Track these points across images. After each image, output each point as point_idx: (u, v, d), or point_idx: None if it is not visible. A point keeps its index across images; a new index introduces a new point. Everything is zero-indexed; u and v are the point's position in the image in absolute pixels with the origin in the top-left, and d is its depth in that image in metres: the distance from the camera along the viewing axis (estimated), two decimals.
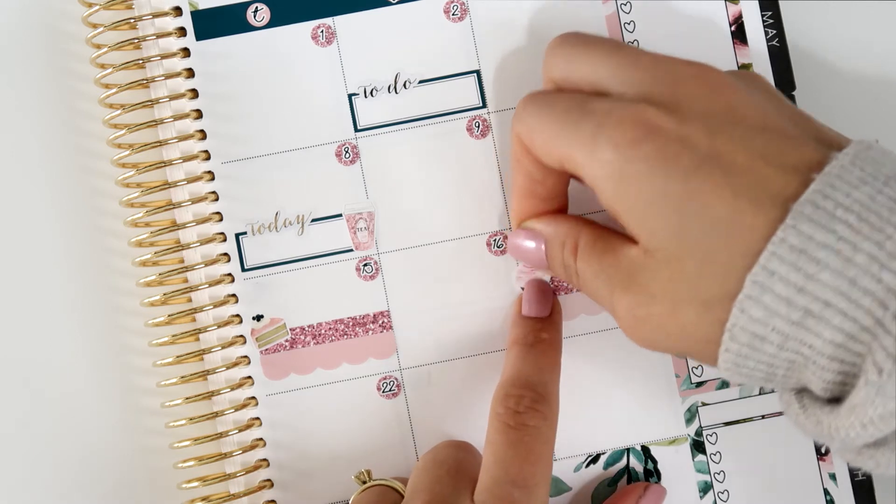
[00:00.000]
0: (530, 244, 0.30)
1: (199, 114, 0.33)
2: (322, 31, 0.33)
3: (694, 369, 0.33)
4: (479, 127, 0.33)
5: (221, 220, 0.33)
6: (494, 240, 0.33)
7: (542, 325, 0.31)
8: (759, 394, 0.33)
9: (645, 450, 0.33)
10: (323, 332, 0.33)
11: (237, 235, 0.33)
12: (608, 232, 0.28)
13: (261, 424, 0.33)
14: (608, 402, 0.33)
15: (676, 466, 0.33)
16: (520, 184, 0.30)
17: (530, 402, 0.28)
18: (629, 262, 0.26)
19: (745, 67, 0.33)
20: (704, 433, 0.33)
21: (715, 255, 0.23)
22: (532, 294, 0.32)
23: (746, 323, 0.23)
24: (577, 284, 0.28)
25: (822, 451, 0.33)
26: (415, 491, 0.28)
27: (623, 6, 0.33)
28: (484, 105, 0.33)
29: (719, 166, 0.23)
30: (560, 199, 0.30)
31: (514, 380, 0.29)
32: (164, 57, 0.33)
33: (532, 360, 0.30)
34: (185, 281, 0.33)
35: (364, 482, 0.30)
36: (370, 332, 0.33)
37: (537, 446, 0.28)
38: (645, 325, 0.25)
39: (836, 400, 0.23)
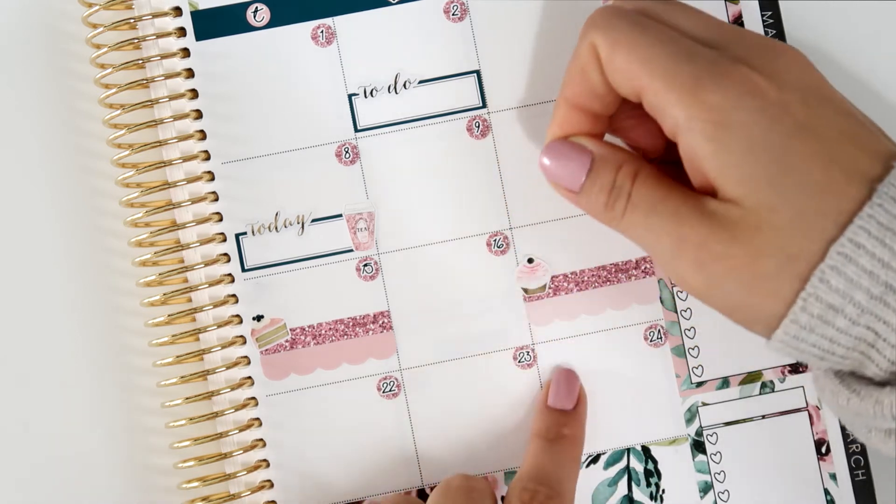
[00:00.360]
0: (574, 159, 0.28)
1: (198, 114, 0.33)
2: (322, 32, 0.33)
3: (694, 369, 0.33)
4: (479, 127, 0.33)
5: (221, 220, 0.33)
6: (494, 240, 0.33)
7: (565, 419, 0.32)
8: (759, 394, 0.33)
9: (645, 450, 0.33)
10: (323, 332, 0.33)
11: (237, 235, 0.33)
12: (670, 178, 0.27)
13: (261, 425, 0.33)
14: (608, 402, 0.33)
15: (676, 466, 0.33)
16: (573, 94, 0.28)
17: (545, 497, 0.29)
18: (700, 204, 0.25)
19: None
20: (705, 433, 0.33)
21: (808, 214, 0.24)
22: (559, 385, 0.32)
23: (824, 293, 0.23)
24: (621, 210, 0.27)
25: (823, 450, 0.33)
26: None
27: None
28: (484, 105, 0.33)
29: (814, 135, 0.24)
30: (605, 123, 0.29)
31: (531, 474, 0.30)
32: (164, 57, 0.33)
33: (551, 455, 0.31)
34: (185, 281, 0.33)
35: None
36: (370, 332, 0.33)
37: None
38: (718, 263, 0.25)
39: (886, 384, 0.24)
